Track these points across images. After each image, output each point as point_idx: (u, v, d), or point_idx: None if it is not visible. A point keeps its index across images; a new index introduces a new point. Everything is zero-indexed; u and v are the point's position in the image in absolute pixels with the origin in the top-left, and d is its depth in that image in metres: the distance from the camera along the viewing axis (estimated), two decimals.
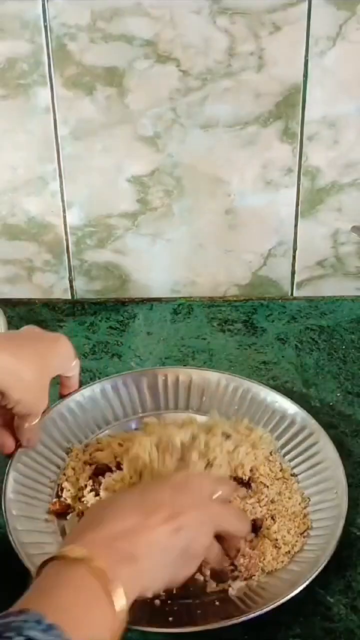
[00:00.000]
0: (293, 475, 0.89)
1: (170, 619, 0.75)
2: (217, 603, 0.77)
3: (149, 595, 0.68)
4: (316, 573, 0.76)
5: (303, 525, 0.83)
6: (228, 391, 0.97)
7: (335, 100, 1.03)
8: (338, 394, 1.02)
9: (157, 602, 0.76)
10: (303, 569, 0.78)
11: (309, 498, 0.86)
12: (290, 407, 0.94)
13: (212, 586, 0.78)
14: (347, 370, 1.06)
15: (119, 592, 0.60)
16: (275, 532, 0.82)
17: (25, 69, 1.02)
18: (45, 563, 0.62)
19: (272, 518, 0.84)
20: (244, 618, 0.73)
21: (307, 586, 0.75)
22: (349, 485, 0.85)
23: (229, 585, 0.78)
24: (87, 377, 1.04)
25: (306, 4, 0.97)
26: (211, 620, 0.74)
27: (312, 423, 0.92)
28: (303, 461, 0.90)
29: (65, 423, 0.93)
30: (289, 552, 0.81)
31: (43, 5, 0.98)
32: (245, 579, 0.78)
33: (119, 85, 1.03)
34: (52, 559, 0.62)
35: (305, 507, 0.85)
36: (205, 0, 0.97)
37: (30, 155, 1.08)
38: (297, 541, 0.82)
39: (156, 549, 0.66)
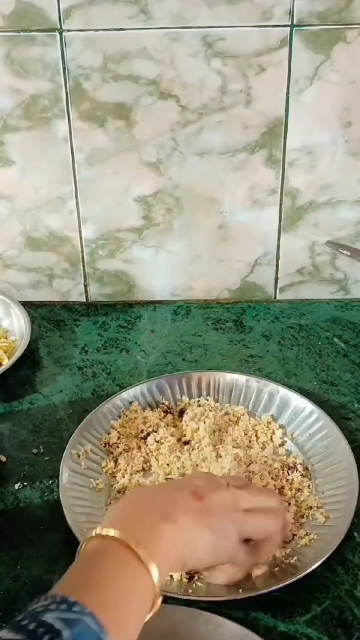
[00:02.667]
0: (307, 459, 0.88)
1: (190, 590, 0.73)
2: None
3: (190, 567, 0.65)
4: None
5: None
6: (252, 391, 0.96)
7: (312, 131, 1.03)
8: (315, 383, 1.02)
9: (177, 575, 0.74)
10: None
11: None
12: (307, 405, 0.93)
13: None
14: (322, 363, 1.06)
15: (155, 566, 0.56)
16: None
17: (47, 105, 1.02)
18: (87, 541, 0.59)
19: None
20: (264, 591, 0.71)
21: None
22: None
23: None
24: (100, 368, 1.05)
25: (287, 49, 0.97)
26: (228, 593, 0.72)
27: (328, 419, 0.91)
28: (316, 446, 0.89)
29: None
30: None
31: (62, 50, 0.98)
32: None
33: (127, 118, 1.03)
34: (92, 538, 0.59)
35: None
36: (201, 45, 0.97)
37: (51, 179, 1.08)
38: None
39: (190, 522, 0.62)
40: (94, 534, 0.59)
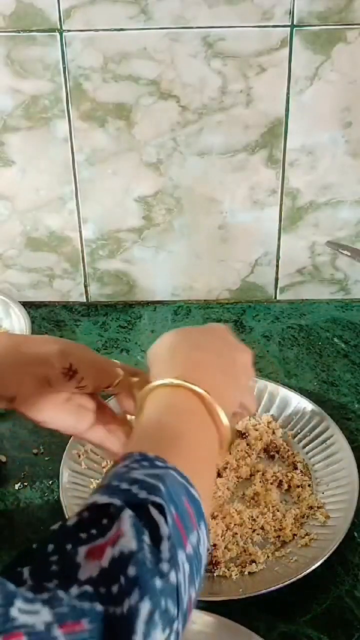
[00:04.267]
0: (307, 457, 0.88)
1: None
2: (234, 578, 0.75)
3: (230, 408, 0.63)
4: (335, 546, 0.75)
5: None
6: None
7: (312, 131, 1.03)
8: (315, 383, 1.02)
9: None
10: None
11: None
12: (307, 405, 0.93)
13: None
14: (322, 363, 1.06)
15: (225, 417, 0.56)
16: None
17: (47, 105, 1.02)
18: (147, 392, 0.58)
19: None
20: (263, 591, 0.71)
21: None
22: None
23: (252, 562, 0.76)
24: None
25: (287, 49, 0.97)
26: (229, 593, 0.72)
27: (328, 419, 0.91)
28: (317, 446, 0.89)
29: None
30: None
31: (62, 50, 0.98)
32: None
33: (127, 118, 1.03)
34: (157, 387, 0.58)
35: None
36: (202, 45, 0.97)
37: (51, 179, 1.08)
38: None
39: (230, 369, 0.63)
40: (157, 383, 0.58)
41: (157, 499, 0.45)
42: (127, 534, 0.43)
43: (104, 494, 0.45)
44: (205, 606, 0.70)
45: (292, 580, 0.72)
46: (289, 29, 0.96)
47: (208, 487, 0.53)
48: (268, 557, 0.77)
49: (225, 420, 0.56)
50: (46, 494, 0.85)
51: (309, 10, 0.94)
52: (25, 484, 0.86)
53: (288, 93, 1.00)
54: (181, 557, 0.44)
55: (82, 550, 0.42)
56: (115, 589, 0.40)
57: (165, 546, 0.43)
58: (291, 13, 0.95)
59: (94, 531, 0.43)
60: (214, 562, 0.76)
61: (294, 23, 0.95)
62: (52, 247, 1.14)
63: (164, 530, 0.44)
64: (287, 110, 1.01)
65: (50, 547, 0.43)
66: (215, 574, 0.75)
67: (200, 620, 0.69)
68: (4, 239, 1.13)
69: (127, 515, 0.43)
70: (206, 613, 0.69)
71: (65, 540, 0.43)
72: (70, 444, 0.87)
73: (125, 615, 0.40)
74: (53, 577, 0.41)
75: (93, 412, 0.72)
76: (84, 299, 1.19)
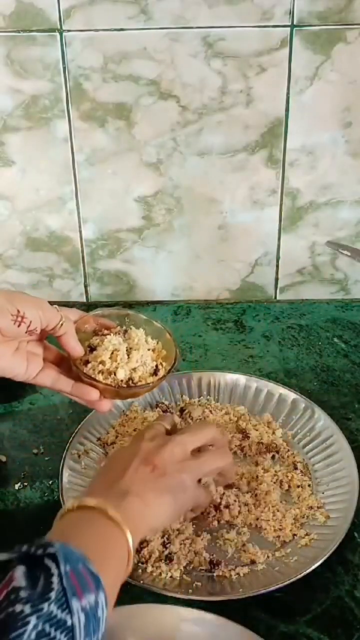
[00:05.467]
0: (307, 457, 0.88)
1: (190, 590, 0.73)
2: (234, 578, 0.75)
3: (160, 530, 0.71)
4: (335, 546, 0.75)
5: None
6: (251, 391, 0.97)
7: (312, 131, 1.03)
8: (315, 383, 1.02)
9: (178, 574, 0.74)
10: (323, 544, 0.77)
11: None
12: (307, 405, 0.93)
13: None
14: (322, 363, 1.06)
15: (129, 533, 0.61)
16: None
17: (47, 105, 1.02)
18: (63, 514, 0.63)
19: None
20: (263, 591, 0.71)
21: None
22: None
23: (253, 561, 0.76)
24: None
25: (287, 49, 0.97)
26: (228, 593, 0.72)
27: (328, 419, 0.91)
28: (317, 446, 0.89)
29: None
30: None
31: (62, 50, 0.98)
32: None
33: (127, 118, 1.03)
34: (69, 510, 0.63)
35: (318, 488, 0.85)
36: (201, 45, 0.97)
37: (51, 179, 1.08)
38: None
39: (151, 488, 0.68)
40: (70, 506, 0.63)
41: (52, 550, 0.52)
42: (19, 577, 0.49)
43: (5, 552, 0.52)
44: (205, 606, 0.70)
45: (292, 580, 0.72)
46: (289, 29, 0.96)
47: (111, 584, 0.57)
48: (268, 557, 0.77)
49: (131, 542, 0.61)
50: (46, 494, 0.85)
51: (309, 10, 0.95)
52: (25, 484, 0.86)
53: (288, 93, 1.00)
54: (75, 604, 0.50)
55: None
56: None
57: (55, 584, 0.50)
58: (291, 13, 0.95)
59: None
60: (214, 562, 0.76)
61: (294, 23, 0.95)
62: (52, 247, 1.14)
63: (55, 572, 0.50)
64: (287, 110, 1.01)
65: None
66: (215, 574, 0.75)
67: (200, 620, 0.69)
68: (4, 239, 1.13)
69: (21, 566, 0.50)
70: (206, 613, 0.69)
71: None
72: (70, 444, 0.87)
73: (3, 618, 0.46)
74: None
75: (41, 357, 0.76)
76: (84, 299, 1.19)
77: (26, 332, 0.72)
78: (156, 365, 0.81)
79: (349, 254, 1.02)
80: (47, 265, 1.16)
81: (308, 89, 1.00)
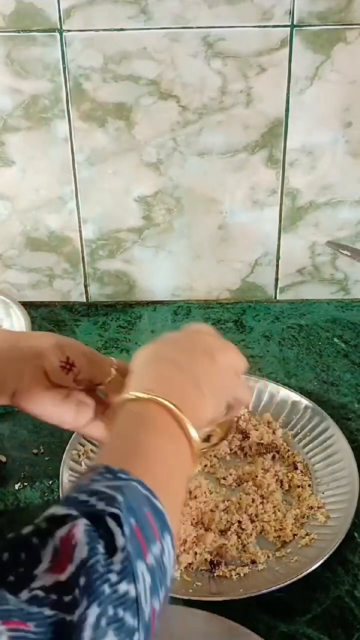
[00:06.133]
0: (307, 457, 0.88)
1: (191, 590, 0.73)
2: (234, 578, 0.75)
3: (211, 422, 0.64)
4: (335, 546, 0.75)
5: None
6: (252, 391, 0.96)
7: (312, 131, 1.03)
8: (315, 383, 1.02)
9: (178, 574, 0.74)
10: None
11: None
12: (307, 405, 0.93)
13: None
14: (322, 363, 1.06)
15: (194, 431, 0.56)
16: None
17: (47, 105, 1.02)
18: (122, 404, 0.58)
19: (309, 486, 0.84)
20: (264, 591, 0.71)
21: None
22: None
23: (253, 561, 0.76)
24: None
25: (287, 49, 0.97)
26: (228, 593, 0.72)
27: (328, 419, 0.91)
28: (317, 446, 0.89)
29: None
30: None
31: (62, 49, 0.98)
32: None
33: (127, 118, 1.03)
34: (128, 401, 0.57)
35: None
36: (202, 45, 0.97)
37: (51, 179, 1.08)
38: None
39: (210, 388, 0.61)
40: (129, 396, 0.57)
41: (114, 510, 0.45)
42: (80, 543, 0.43)
43: (62, 505, 0.46)
44: (205, 606, 0.70)
45: (292, 580, 0.72)
46: (289, 29, 0.96)
47: (176, 500, 0.53)
48: (268, 557, 0.77)
49: (194, 433, 0.56)
50: (46, 494, 0.85)
51: (309, 10, 0.95)
52: (25, 484, 0.86)
53: (288, 93, 1.00)
54: (141, 567, 0.44)
55: (42, 565, 0.42)
56: (68, 599, 0.41)
57: (118, 557, 0.44)
58: (291, 13, 0.95)
59: (50, 544, 0.43)
60: (214, 562, 0.76)
61: (294, 23, 0.95)
62: (52, 247, 1.14)
63: (120, 541, 0.44)
64: (287, 110, 1.01)
65: (5, 555, 0.43)
66: (215, 574, 0.75)
67: (200, 620, 0.69)
68: (4, 239, 1.13)
69: (83, 524, 0.44)
70: (206, 613, 0.69)
71: (20, 550, 0.43)
72: (70, 444, 0.87)
73: (75, 622, 0.40)
74: (4, 585, 0.41)
75: (92, 408, 0.72)
76: (84, 299, 1.19)
77: (74, 381, 0.69)
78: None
79: (349, 254, 1.02)
80: (47, 265, 1.16)
81: (308, 89, 1.00)
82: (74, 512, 0.44)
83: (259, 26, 0.96)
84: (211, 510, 0.81)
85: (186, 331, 0.70)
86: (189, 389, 0.60)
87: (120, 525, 0.45)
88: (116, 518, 0.45)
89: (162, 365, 0.63)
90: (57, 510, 0.45)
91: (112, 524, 0.45)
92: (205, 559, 0.76)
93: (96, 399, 0.73)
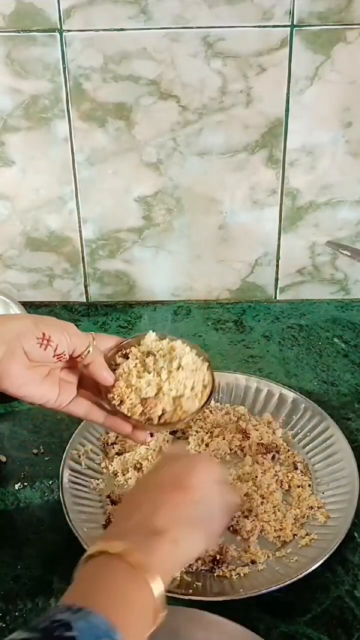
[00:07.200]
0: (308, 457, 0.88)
1: (191, 590, 0.73)
2: (234, 578, 0.75)
3: (189, 563, 0.65)
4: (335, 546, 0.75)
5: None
6: (251, 391, 0.96)
7: (312, 131, 1.03)
8: (315, 383, 1.02)
9: (178, 574, 0.74)
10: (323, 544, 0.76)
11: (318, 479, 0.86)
12: (307, 405, 0.93)
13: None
14: (322, 363, 1.06)
15: (157, 579, 0.56)
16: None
17: (47, 105, 1.02)
18: (87, 558, 0.58)
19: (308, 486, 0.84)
20: (264, 591, 0.71)
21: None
22: None
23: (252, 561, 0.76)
24: None
25: (287, 49, 0.97)
26: (227, 594, 0.72)
27: (328, 419, 0.91)
28: (317, 446, 0.89)
29: None
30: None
31: (62, 50, 0.98)
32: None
33: (127, 118, 1.03)
34: (92, 555, 0.58)
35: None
36: (201, 45, 0.97)
37: (51, 179, 1.08)
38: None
39: (184, 523, 0.61)
40: (93, 551, 0.58)
41: (71, 635, 0.47)
42: None
43: (25, 630, 0.48)
44: (205, 606, 0.70)
45: (292, 580, 0.72)
46: (289, 29, 0.96)
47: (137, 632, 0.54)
48: (268, 557, 0.77)
49: (157, 592, 0.55)
50: (46, 494, 0.85)
51: (309, 10, 0.95)
52: (25, 484, 0.86)
53: (288, 93, 1.00)
54: None
55: None
56: None
57: None
58: (291, 13, 0.95)
59: None
60: (214, 562, 0.76)
61: (294, 23, 0.95)
62: (52, 247, 1.14)
63: None
64: (287, 110, 1.01)
65: None
66: (215, 574, 0.75)
67: (201, 620, 0.69)
68: (4, 239, 1.14)
69: None
70: (206, 613, 0.69)
71: None
72: (70, 444, 0.87)
73: None
74: None
75: (75, 385, 0.73)
76: (84, 299, 1.19)
77: (54, 357, 0.69)
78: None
79: (349, 254, 1.02)
80: (47, 265, 1.16)
81: (308, 89, 1.00)
82: (35, 635, 0.47)
83: (259, 26, 0.96)
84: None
85: (156, 464, 0.70)
86: (156, 542, 0.59)
87: None
88: None
89: (125, 518, 0.62)
90: (19, 635, 0.47)
91: None
92: (206, 559, 0.76)
93: (80, 376, 0.73)
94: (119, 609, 0.53)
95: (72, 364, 0.73)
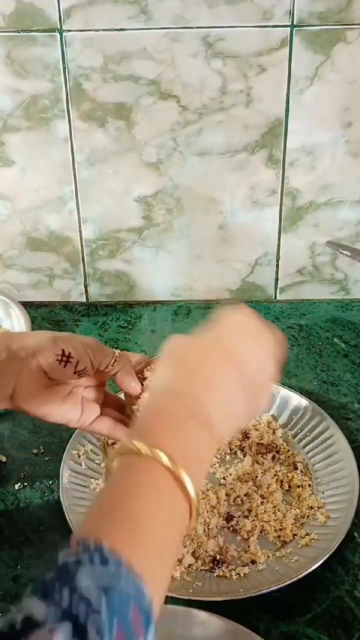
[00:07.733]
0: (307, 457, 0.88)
1: (191, 590, 0.73)
2: (234, 578, 0.75)
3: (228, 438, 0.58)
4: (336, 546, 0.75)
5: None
6: None
7: (312, 131, 1.03)
8: (315, 383, 1.02)
9: (178, 574, 0.74)
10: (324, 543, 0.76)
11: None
12: (307, 405, 0.93)
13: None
14: (322, 363, 1.06)
15: (188, 481, 0.50)
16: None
17: (47, 105, 1.02)
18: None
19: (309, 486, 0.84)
20: (264, 591, 0.71)
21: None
22: None
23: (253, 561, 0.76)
24: None
25: (287, 49, 0.97)
26: (227, 594, 0.72)
27: (328, 419, 0.91)
28: (317, 446, 0.89)
29: None
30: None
31: (62, 49, 0.98)
32: None
33: (127, 118, 1.03)
34: (125, 454, 0.52)
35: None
36: (201, 45, 0.97)
37: (51, 179, 1.08)
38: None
39: (224, 397, 0.55)
40: (127, 447, 0.52)
41: (96, 617, 0.42)
42: None
43: (41, 599, 0.42)
44: (205, 606, 0.70)
45: (292, 580, 0.72)
46: (289, 29, 0.96)
47: (164, 576, 0.50)
48: (268, 557, 0.77)
49: (192, 492, 0.51)
50: (46, 494, 0.85)
51: (309, 10, 0.94)
52: (25, 484, 0.86)
53: (288, 93, 1.00)
54: None
55: None
56: None
57: None
58: (291, 13, 0.95)
59: None
60: (214, 562, 0.76)
61: (294, 23, 0.95)
62: (52, 247, 1.14)
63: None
64: (287, 110, 1.01)
65: None
66: (215, 574, 0.75)
67: (201, 620, 0.69)
68: (4, 239, 1.13)
69: (61, 633, 0.41)
70: (206, 613, 0.69)
71: None
72: (70, 444, 0.87)
73: None
74: None
75: (98, 404, 0.71)
76: (84, 299, 1.19)
77: (74, 374, 0.67)
78: None
79: (349, 254, 1.02)
80: (47, 265, 1.16)
81: (308, 89, 1.00)
82: (52, 616, 0.42)
83: (259, 26, 0.96)
84: (211, 510, 0.81)
85: (212, 332, 0.62)
86: (193, 431, 0.53)
87: (101, 635, 0.42)
88: (98, 626, 0.42)
89: (166, 400, 0.56)
90: (36, 609, 0.42)
91: (92, 633, 0.42)
92: (206, 559, 0.76)
93: (104, 394, 0.71)
94: (149, 541, 0.48)
95: (98, 381, 0.71)
